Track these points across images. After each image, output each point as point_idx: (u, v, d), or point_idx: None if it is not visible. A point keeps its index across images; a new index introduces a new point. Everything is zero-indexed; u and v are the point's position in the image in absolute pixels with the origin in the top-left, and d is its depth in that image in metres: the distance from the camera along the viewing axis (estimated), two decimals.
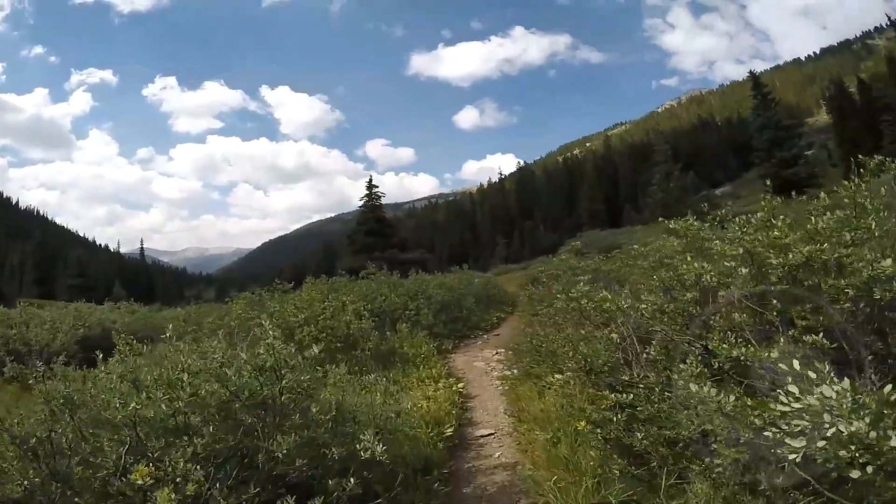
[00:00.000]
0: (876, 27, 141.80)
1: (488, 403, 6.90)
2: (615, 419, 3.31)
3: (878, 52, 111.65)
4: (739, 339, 3.35)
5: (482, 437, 5.61)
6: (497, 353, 10.20)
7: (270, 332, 2.82)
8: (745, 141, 78.60)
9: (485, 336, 12.48)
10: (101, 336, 12.68)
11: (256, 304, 11.30)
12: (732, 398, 2.32)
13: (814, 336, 3.07)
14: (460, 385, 7.25)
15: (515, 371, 8.19)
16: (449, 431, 5.30)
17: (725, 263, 3.63)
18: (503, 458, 4.90)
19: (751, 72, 45.40)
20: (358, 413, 3.93)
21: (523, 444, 4.99)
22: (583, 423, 3.65)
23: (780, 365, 2.99)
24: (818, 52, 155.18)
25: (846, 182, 3.66)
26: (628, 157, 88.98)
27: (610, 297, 4.70)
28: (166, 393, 2.44)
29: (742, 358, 2.85)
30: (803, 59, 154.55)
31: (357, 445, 2.68)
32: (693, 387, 2.37)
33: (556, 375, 5.63)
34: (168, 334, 3.16)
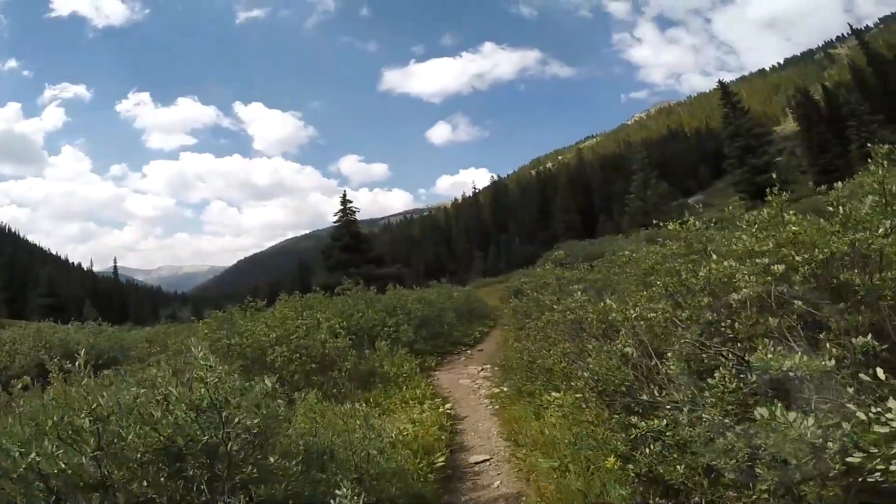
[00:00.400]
0: (837, 37, 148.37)
1: (479, 425, 6.33)
2: (648, 450, 2.79)
3: (841, 60, 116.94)
4: (778, 347, 2.90)
5: (477, 463, 5.04)
6: (483, 369, 9.67)
7: (201, 357, 2.21)
8: (714, 150, 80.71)
9: (468, 351, 11.93)
10: (63, 358, 11.75)
11: (227, 323, 10.54)
12: (811, 422, 1.85)
13: (863, 338, 2.64)
14: (447, 406, 6.68)
15: (505, 388, 7.67)
16: (440, 461, 4.73)
17: (757, 261, 3.18)
18: (504, 489, 4.34)
19: (720, 81, 46.57)
20: (334, 448, 3.34)
21: (524, 472, 4.45)
22: (612, 461, 3.11)
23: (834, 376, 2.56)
24: (782, 63, 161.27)
25: (871, 170, 3.29)
26: (601, 168, 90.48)
27: (615, 305, 4.24)
28: (70, 440, 1.83)
29: (790, 370, 2.39)
30: (768, 69, 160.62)
31: (333, 502, 2.09)
32: (762, 411, 1.89)
33: (554, 394, 5.14)
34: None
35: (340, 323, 9.32)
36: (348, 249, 42.12)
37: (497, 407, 6.87)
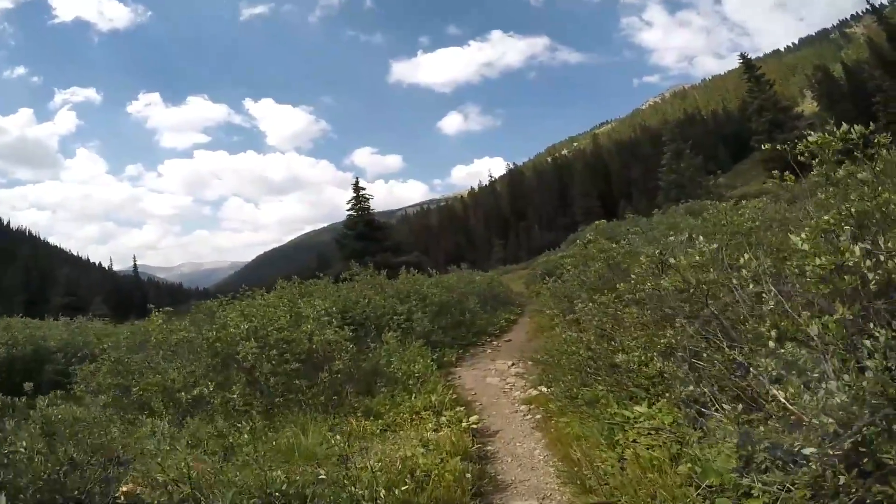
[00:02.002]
0: (853, 15, 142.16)
1: (518, 445, 4.62)
2: None
3: (857, 39, 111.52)
4: None
5: None
6: (513, 364, 7.95)
7: None
8: (733, 132, 77.46)
9: (494, 343, 10.20)
10: (33, 355, 10.56)
11: (207, 316, 9.07)
12: None
13: None
14: (472, 419, 4.96)
15: (545, 390, 5.95)
16: None
17: None
18: None
19: (742, 55, 43.50)
20: None
21: None
22: None
23: None
24: (797, 43, 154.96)
25: None
26: (618, 153, 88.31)
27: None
28: None
29: None
30: (783, 49, 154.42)
31: None
32: None
33: (637, 408, 3.41)
34: None
35: (334, 311, 7.73)
36: (363, 237, 40.71)
37: (539, 417, 5.15)
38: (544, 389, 6.12)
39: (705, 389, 2.60)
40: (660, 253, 3.30)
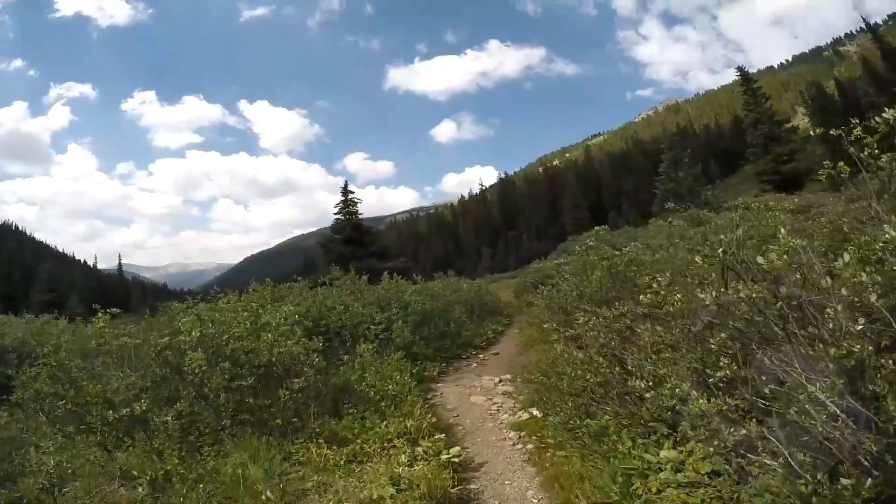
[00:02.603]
0: (846, 33, 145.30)
1: (507, 484, 3.88)
2: None
3: (850, 57, 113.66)
4: None
5: None
6: (501, 381, 7.21)
7: None
8: (723, 147, 78.04)
9: (480, 356, 9.45)
10: None
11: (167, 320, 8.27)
12: None
13: None
14: (454, 451, 4.20)
15: (537, 413, 5.25)
16: None
17: None
18: None
19: (739, 68, 43.55)
20: None
21: None
22: None
23: None
24: (790, 60, 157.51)
25: None
26: (609, 165, 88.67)
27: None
28: None
29: None
30: (776, 66, 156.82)
31: None
32: None
33: (663, 452, 2.70)
34: None
35: (305, 318, 6.98)
36: (350, 242, 39.77)
37: (532, 447, 4.42)
38: (537, 413, 5.40)
39: (771, 437, 1.89)
40: (724, 251, 2.56)
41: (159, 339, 5.40)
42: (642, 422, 3.15)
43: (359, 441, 4.50)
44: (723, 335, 2.41)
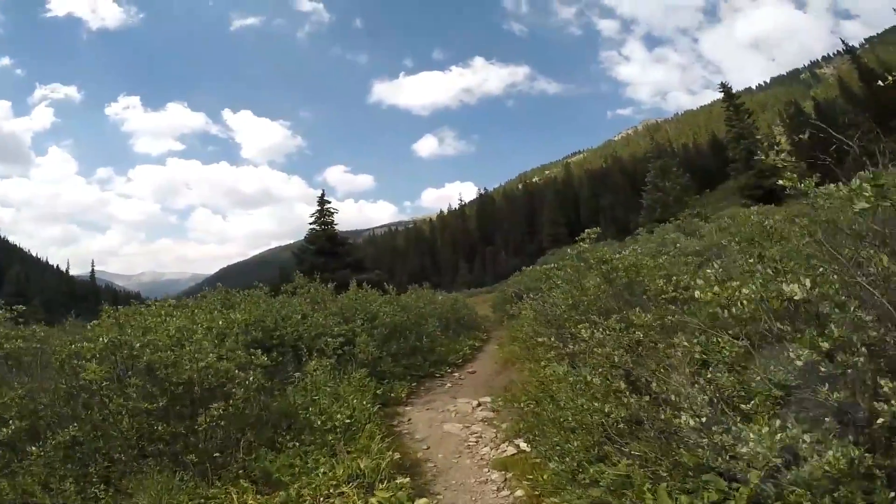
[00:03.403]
0: (823, 57, 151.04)
1: None
2: None
3: (826, 80, 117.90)
4: None
5: None
6: (480, 404, 6.25)
7: None
8: (701, 165, 79.45)
9: (456, 374, 8.47)
10: None
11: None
12: None
13: None
14: (421, 503, 3.21)
15: (525, 447, 4.33)
16: None
17: None
18: None
19: (722, 84, 44.02)
20: None
21: None
22: None
23: None
24: (768, 82, 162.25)
25: None
26: (588, 182, 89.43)
27: None
28: None
29: None
30: (754, 87, 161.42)
31: None
32: None
33: None
34: None
35: (251, 327, 5.95)
36: (324, 253, 38.49)
37: (522, 495, 3.47)
38: (524, 446, 4.46)
39: None
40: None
41: (66, 347, 4.31)
42: (689, 474, 2.25)
43: (297, 486, 3.48)
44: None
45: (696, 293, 2.28)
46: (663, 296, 4.08)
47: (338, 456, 3.85)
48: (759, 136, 39.39)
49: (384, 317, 8.11)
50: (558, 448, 3.25)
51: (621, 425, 2.71)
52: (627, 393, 2.68)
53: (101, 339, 4.10)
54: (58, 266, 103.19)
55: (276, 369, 6.33)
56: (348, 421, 4.50)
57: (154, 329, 4.87)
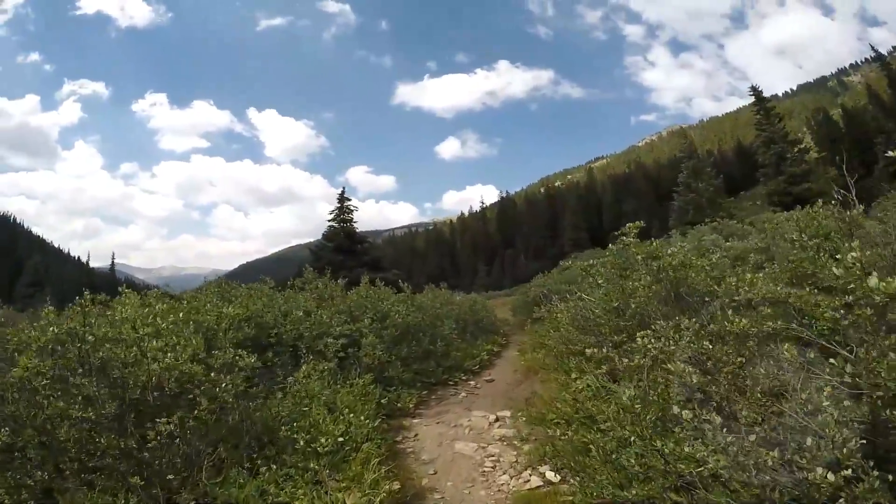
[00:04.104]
0: (851, 64, 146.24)
1: None
2: None
3: (854, 87, 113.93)
4: None
5: None
6: (498, 419, 5.46)
7: None
8: (727, 171, 77.41)
9: (472, 383, 7.68)
10: None
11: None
12: None
13: None
14: None
15: (553, 476, 3.57)
16: None
17: None
18: None
19: (752, 87, 42.14)
20: None
21: None
22: None
23: None
24: (795, 89, 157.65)
25: None
26: (611, 187, 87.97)
27: None
28: None
29: None
30: (780, 95, 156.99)
31: None
32: None
33: None
34: None
35: (244, 323, 5.30)
36: (341, 250, 38.04)
37: None
38: (551, 476, 3.68)
39: None
40: None
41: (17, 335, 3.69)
42: None
43: None
44: None
45: (869, 284, 1.49)
46: (735, 298, 3.27)
47: (322, 485, 3.12)
48: (791, 139, 37.50)
49: (396, 316, 7.38)
50: (609, 495, 2.45)
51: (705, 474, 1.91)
52: (720, 430, 1.87)
53: (51, 329, 3.46)
54: (78, 258, 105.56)
55: (269, 372, 5.67)
56: (342, 439, 3.77)
57: (133, 321, 4.22)
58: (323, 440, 3.58)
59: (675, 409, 1.95)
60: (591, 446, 3.42)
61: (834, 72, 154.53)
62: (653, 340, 2.66)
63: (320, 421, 4.09)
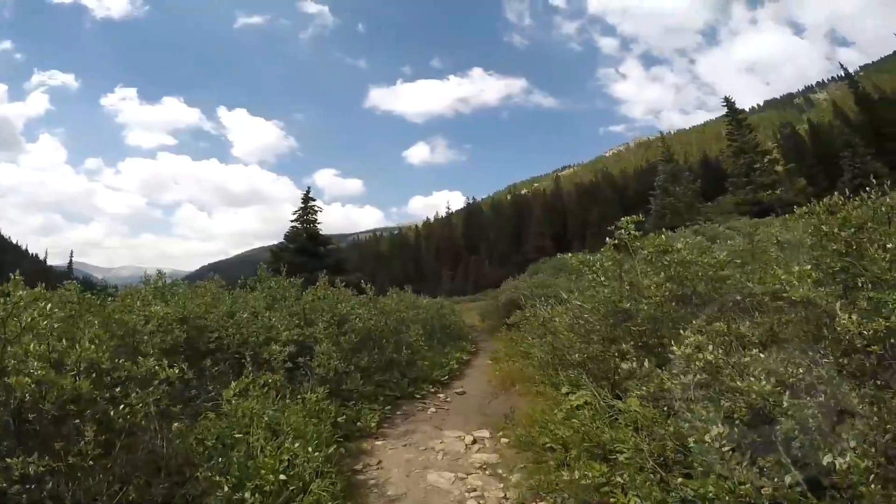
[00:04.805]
0: (817, 82, 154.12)
1: None
2: None
3: (820, 104, 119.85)
4: None
5: None
6: (476, 440, 4.70)
7: None
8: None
9: (441, 396, 6.88)
10: None
11: None
12: None
13: None
14: None
15: None
16: None
17: None
18: None
19: (726, 98, 43.25)
20: None
21: None
22: None
23: None
24: (761, 105, 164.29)
25: None
26: (577, 196, 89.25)
27: None
28: None
29: None
30: (747, 110, 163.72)
31: None
32: None
33: None
34: None
35: (176, 325, 4.39)
36: (303, 252, 36.57)
37: None
38: None
39: None
40: None
41: None
42: None
43: None
44: None
45: None
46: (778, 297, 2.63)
47: None
48: (761, 149, 38.65)
49: (356, 320, 6.52)
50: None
51: None
52: None
53: None
54: (36, 255, 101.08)
55: (204, 384, 4.74)
56: (284, 477, 2.92)
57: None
58: (257, 480, 2.73)
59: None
60: (602, 481, 2.72)
61: (801, 89, 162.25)
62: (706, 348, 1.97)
63: (258, 451, 3.23)
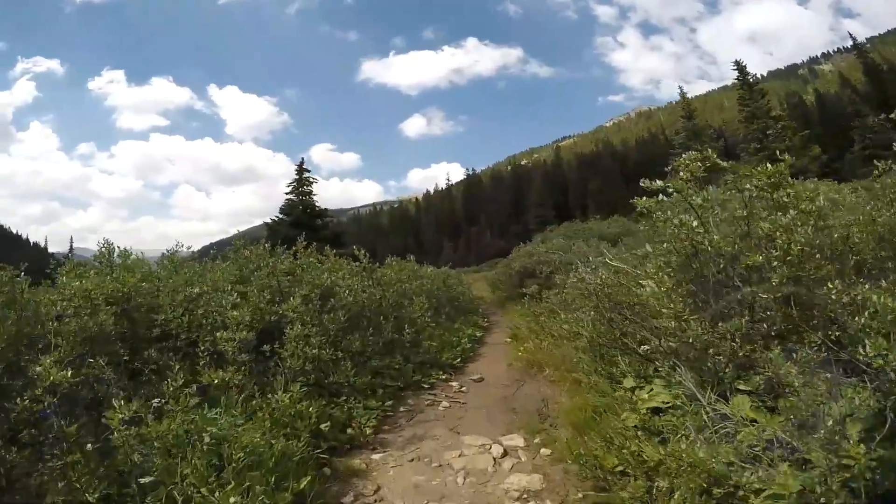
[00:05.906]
0: (823, 53, 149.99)
1: None
2: None
3: (825, 75, 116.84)
4: None
5: None
6: (506, 452, 3.48)
7: None
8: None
9: (454, 384, 5.65)
10: None
11: None
12: None
13: None
14: None
15: None
16: None
17: None
18: None
19: (736, 62, 41.41)
20: None
21: None
22: None
23: None
24: (765, 75, 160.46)
25: None
26: (577, 166, 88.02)
27: None
28: None
29: None
30: (751, 80, 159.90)
31: None
32: None
33: None
34: None
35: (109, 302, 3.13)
36: (299, 225, 35.19)
37: None
38: None
39: None
40: None
41: None
42: None
43: None
44: None
45: None
46: None
47: None
48: (774, 115, 37.02)
49: (345, 294, 5.22)
50: None
51: None
52: None
53: None
54: (36, 243, 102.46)
55: (144, 385, 3.52)
56: None
57: None
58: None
59: None
60: None
61: (805, 60, 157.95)
62: None
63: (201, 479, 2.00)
